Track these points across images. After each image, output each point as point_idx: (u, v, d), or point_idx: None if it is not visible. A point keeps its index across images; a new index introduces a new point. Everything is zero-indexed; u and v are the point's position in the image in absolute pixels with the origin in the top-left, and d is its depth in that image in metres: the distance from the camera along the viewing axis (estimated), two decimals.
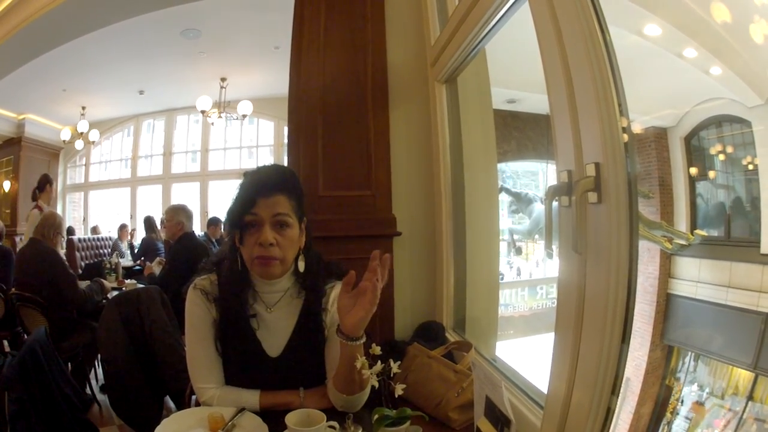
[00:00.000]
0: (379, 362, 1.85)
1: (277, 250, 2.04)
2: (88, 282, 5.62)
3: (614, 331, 1.55)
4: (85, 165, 16.47)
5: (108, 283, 5.95)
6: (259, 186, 2.08)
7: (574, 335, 1.67)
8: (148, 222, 10.31)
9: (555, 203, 1.71)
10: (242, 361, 2.15)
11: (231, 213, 2.10)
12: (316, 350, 2.16)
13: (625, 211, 1.51)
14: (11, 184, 14.18)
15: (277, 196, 2.07)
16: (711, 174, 3.17)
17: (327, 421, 1.77)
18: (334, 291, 2.22)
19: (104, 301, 5.33)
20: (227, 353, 2.15)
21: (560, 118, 1.72)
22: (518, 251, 7.46)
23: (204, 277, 2.22)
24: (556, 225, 1.74)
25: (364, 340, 1.92)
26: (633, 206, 1.52)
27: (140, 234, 12.71)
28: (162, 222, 6.27)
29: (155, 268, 6.52)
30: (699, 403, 3.24)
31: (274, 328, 2.18)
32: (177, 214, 5.90)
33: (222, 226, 10.53)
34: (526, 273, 7.81)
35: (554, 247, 1.77)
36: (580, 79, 1.62)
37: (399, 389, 1.87)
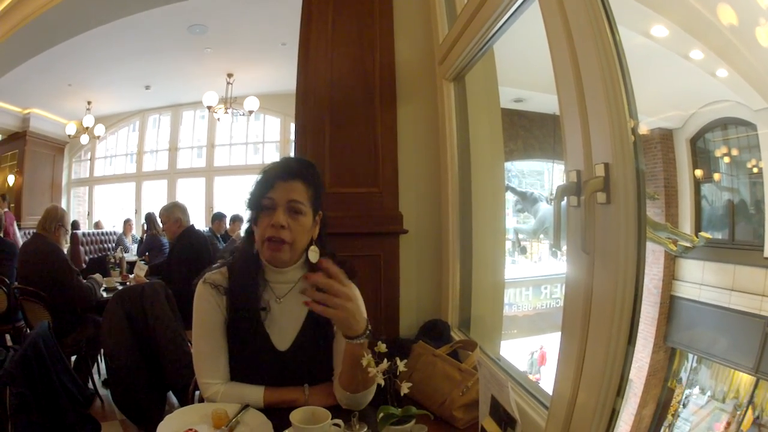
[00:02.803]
0: (385, 360, 1.84)
1: (287, 233, 2.06)
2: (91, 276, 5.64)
3: (621, 333, 1.54)
4: (90, 160, 16.48)
5: (100, 277, 5.96)
6: (279, 170, 2.14)
7: (580, 336, 1.67)
8: (150, 219, 10.31)
9: (563, 203, 1.71)
10: (250, 354, 2.15)
11: (250, 194, 2.15)
12: (324, 345, 2.16)
13: (633, 212, 1.50)
14: (16, 178, 14.19)
15: (295, 182, 2.11)
16: (716, 176, 3.17)
17: (332, 418, 1.77)
18: None
19: (105, 295, 5.34)
20: (235, 346, 2.15)
21: (570, 117, 1.71)
22: (523, 250, 7.45)
23: (215, 271, 2.23)
24: (564, 224, 1.73)
25: (362, 340, 1.93)
26: (641, 207, 1.52)
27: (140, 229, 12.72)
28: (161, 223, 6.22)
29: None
30: (700, 406, 3.24)
31: (283, 321, 2.18)
32: (172, 213, 5.88)
33: (226, 222, 10.54)
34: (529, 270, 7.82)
35: (563, 246, 1.77)
36: (589, 78, 1.62)
37: (404, 387, 1.87)
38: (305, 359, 2.15)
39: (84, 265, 8.63)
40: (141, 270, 6.46)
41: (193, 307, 2.19)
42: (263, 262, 2.18)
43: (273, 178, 2.10)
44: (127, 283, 6.05)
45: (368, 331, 1.95)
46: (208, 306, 2.16)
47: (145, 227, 10.37)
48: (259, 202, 2.09)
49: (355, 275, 2.18)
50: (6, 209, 9.23)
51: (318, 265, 1.96)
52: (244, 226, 2.33)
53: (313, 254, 2.14)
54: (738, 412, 2.96)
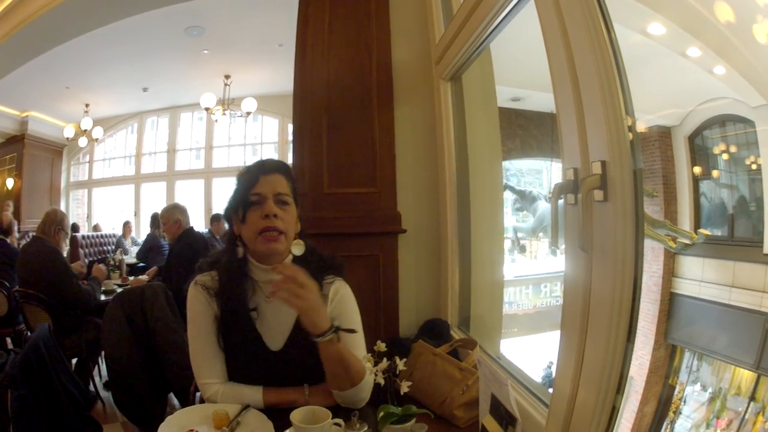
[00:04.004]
0: (385, 359, 1.85)
1: (280, 222, 2.09)
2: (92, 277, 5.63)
3: (620, 330, 1.55)
4: (89, 162, 16.45)
5: (101, 271, 5.96)
6: (260, 167, 2.19)
7: (579, 333, 1.67)
8: (155, 218, 10.29)
9: (561, 201, 1.71)
10: (244, 356, 2.16)
11: (234, 195, 2.19)
12: (317, 344, 2.16)
13: (631, 209, 1.51)
14: (14, 181, 14.16)
15: (277, 176, 2.17)
16: (714, 173, 3.17)
17: (332, 418, 1.77)
18: (334, 286, 2.25)
19: (105, 297, 5.33)
20: (229, 348, 2.16)
21: (566, 115, 1.71)
22: (522, 249, 7.45)
23: (205, 273, 2.24)
24: (562, 223, 1.73)
25: (329, 336, 1.96)
26: (639, 205, 1.52)
27: (143, 230, 12.72)
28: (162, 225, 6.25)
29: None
30: (701, 403, 3.24)
31: (275, 321, 2.19)
32: (172, 214, 5.90)
33: (225, 222, 10.51)
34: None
35: (561, 244, 1.77)
36: (586, 76, 1.62)
37: (404, 386, 1.87)
38: (299, 359, 2.15)
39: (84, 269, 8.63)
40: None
41: (187, 309, 2.20)
42: (251, 262, 2.20)
43: (255, 174, 2.14)
44: (128, 284, 6.06)
45: (334, 327, 1.99)
46: (201, 307, 2.17)
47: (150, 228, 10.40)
48: (245, 200, 2.11)
49: (342, 270, 2.21)
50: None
51: (280, 271, 1.98)
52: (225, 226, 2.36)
53: (298, 248, 2.17)
54: (739, 408, 2.96)
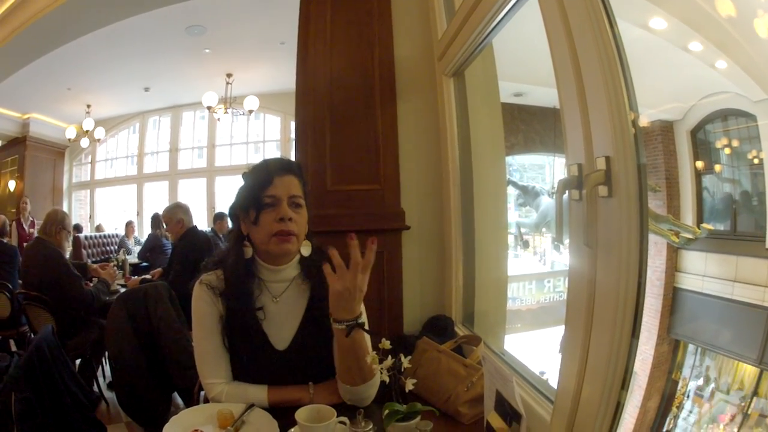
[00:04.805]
0: (390, 357, 1.85)
1: (294, 225, 2.08)
2: (95, 280, 5.62)
3: (624, 326, 1.54)
4: (91, 163, 16.47)
5: (111, 273, 5.93)
6: (273, 166, 2.16)
7: (584, 329, 1.66)
8: (155, 219, 10.29)
9: (565, 197, 1.71)
10: (249, 355, 2.15)
11: (246, 194, 2.15)
12: (323, 343, 2.15)
13: (635, 204, 1.50)
14: (17, 183, 14.18)
15: (291, 178, 2.15)
16: (717, 168, 3.16)
17: (337, 416, 1.77)
18: None
19: (109, 298, 5.32)
20: (234, 348, 2.15)
21: (570, 111, 1.71)
22: (525, 244, 7.44)
23: (210, 272, 2.23)
24: (566, 218, 1.73)
25: (343, 326, 1.94)
26: (643, 200, 1.52)
27: (146, 229, 12.74)
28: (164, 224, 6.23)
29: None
30: (704, 398, 3.23)
31: (281, 320, 2.18)
32: (174, 213, 5.89)
33: (228, 221, 10.49)
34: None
35: (565, 240, 1.77)
36: (589, 72, 1.62)
37: (409, 384, 1.87)
38: (305, 358, 2.15)
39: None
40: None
41: (192, 309, 2.20)
42: (258, 262, 2.19)
43: (269, 175, 2.12)
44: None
45: (354, 322, 1.95)
46: (206, 306, 2.16)
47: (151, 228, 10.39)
48: (259, 201, 2.09)
49: None
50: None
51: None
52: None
53: (306, 248, 2.17)
54: (742, 404, 2.95)
